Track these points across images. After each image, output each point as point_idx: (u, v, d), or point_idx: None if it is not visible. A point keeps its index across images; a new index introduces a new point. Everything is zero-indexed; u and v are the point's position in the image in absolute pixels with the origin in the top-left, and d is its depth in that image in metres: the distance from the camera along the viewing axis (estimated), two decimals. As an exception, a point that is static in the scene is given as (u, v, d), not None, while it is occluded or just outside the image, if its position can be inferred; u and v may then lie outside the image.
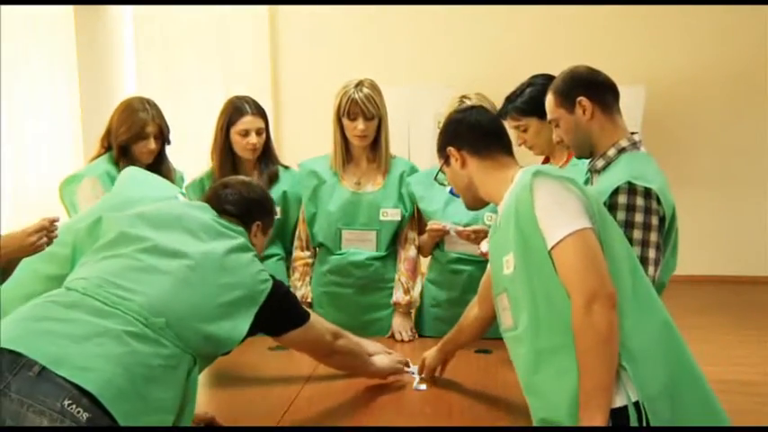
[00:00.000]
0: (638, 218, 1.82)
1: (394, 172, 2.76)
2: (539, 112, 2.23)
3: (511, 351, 1.74)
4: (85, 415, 1.37)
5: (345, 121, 2.65)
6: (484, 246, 2.33)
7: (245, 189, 2.02)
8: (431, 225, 2.61)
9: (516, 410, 2.03)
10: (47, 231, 1.98)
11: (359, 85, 2.63)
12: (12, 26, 4.29)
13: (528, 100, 2.37)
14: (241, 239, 1.85)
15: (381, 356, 2.26)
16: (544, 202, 1.57)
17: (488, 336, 2.62)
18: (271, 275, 1.84)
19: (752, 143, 6.55)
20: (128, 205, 1.98)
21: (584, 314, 1.49)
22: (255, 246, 1.96)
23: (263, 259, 2.81)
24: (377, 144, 2.71)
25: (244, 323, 1.73)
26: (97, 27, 4.90)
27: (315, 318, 1.99)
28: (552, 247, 1.55)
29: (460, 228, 2.54)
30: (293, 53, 6.92)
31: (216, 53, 6.51)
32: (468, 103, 2.59)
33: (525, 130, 2.42)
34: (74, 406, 1.37)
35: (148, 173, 2.44)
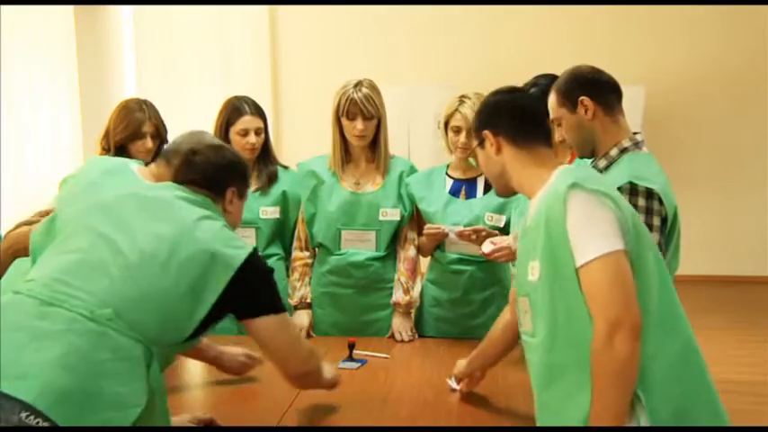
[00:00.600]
0: (640, 218, 1.82)
1: (393, 172, 2.75)
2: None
3: (527, 354, 1.70)
4: (45, 424, 1.34)
5: (344, 121, 2.64)
6: (486, 246, 2.32)
7: (213, 155, 1.87)
8: (427, 228, 2.60)
9: (516, 410, 2.03)
10: None
11: (358, 84, 2.63)
12: (12, 26, 4.29)
13: None
14: (205, 212, 1.72)
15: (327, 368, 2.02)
16: (577, 217, 1.50)
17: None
18: (254, 248, 1.70)
19: (752, 143, 6.55)
20: (89, 190, 1.97)
21: (605, 341, 1.43)
22: (232, 213, 1.86)
23: (264, 258, 2.84)
24: (376, 144, 2.71)
25: (211, 296, 1.60)
26: (97, 27, 4.90)
27: (294, 321, 1.92)
28: (581, 266, 1.49)
29: (460, 228, 2.53)
30: (293, 53, 6.92)
31: (216, 53, 6.52)
32: (468, 102, 2.58)
33: None
34: (32, 417, 1.34)
35: (109, 158, 2.43)
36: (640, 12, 6.42)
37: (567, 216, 1.50)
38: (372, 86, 2.65)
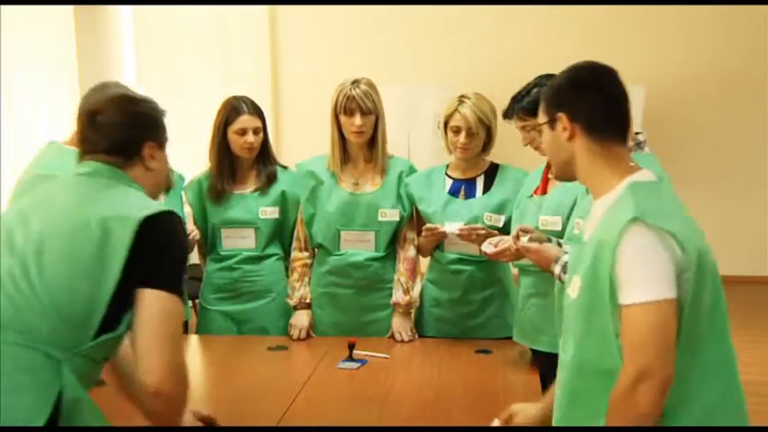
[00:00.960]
0: None
1: (392, 172, 2.75)
2: None
3: (560, 356, 1.62)
4: None
5: (342, 118, 2.64)
6: (486, 247, 2.31)
7: (118, 115, 1.64)
8: (426, 228, 2.59)
9: (516, 410, 2.03)
10: None
11: (355, 82, 2.64)
12: (12, 26, 4.29)
13: (535, 100, 2.30)
14: (108, 181, 1.57)
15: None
16: (630, 255, 1.37)
17: (488, 336, 2.63)
18: (170, 211, 1.54)
19: (751, 143, 6.55)
20: (37, 181, 1.92)
21: (630, 387, 1.35)
22: (155, 170, 1.69)
23: (262, 258, 2.84)
24: (374, 143, 2.71)
25: (115, 262, 1.42)
26: (97, 27, 4.90)
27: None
28: (624, 305, 1.38)
29: (459, 225, 2.52)
30: (293, 53, 6.92)
31: (216, 53, 6.51)
32: (467, 102, 2.57)
33: (531, 131, 2.37)
34: None
35: (61, 146, 2.38)
36: (640, 12, 6.42)
37: (620, 250, 1.37)
38: (370, 84, 2.66)
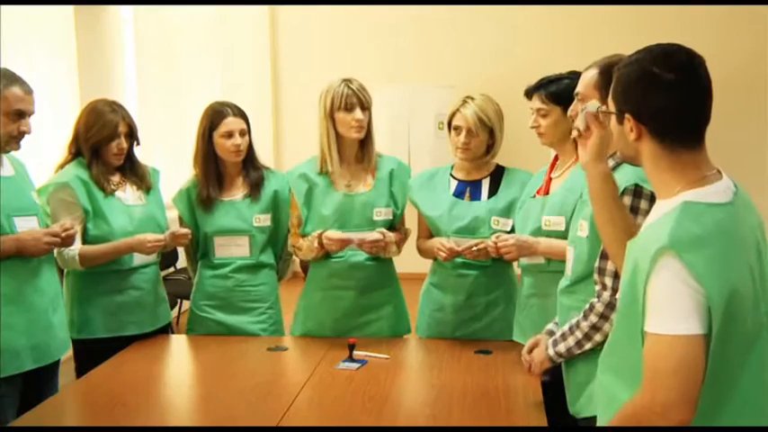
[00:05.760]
0: (641, 220, 1.80)
1: (382, 170, 2.75)
2: (565, 105, 2.18)
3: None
4: None
5: (341, 115, 2.63)
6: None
7: None
8: (440, 244, 2.55)
9: (516, 410, 2.03)
10: (60, 237, 2.36)
11: (347, 80, 2.66)
12: (12, 26, 4.29)
13: (563, 90, 2.28)
14: None
15: None
16: (658, 286, 1.31)
17: (489, 336, 2.63)
18: None
19: (751, 143, 6.55)
20: None
21: (644, 416, 1.33)
22: None
23: (257, 268, 2.81)
24: (367, 140, 2.72)
25: None
26: (97, 27, 4.89)
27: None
28: (650, 332, 1.33)
29: (464, 245, 2.51)
30: (293, 53, 6.92)
31: (216, 53, 6.51)
32: (470, 104, 2.55)
33: (545, 116, 2.33)
34: None
35: None
36: (640, 12, 6.42)
37: (649, 281, 1.32)
38: (360, 82, 2.68)
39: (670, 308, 1.31)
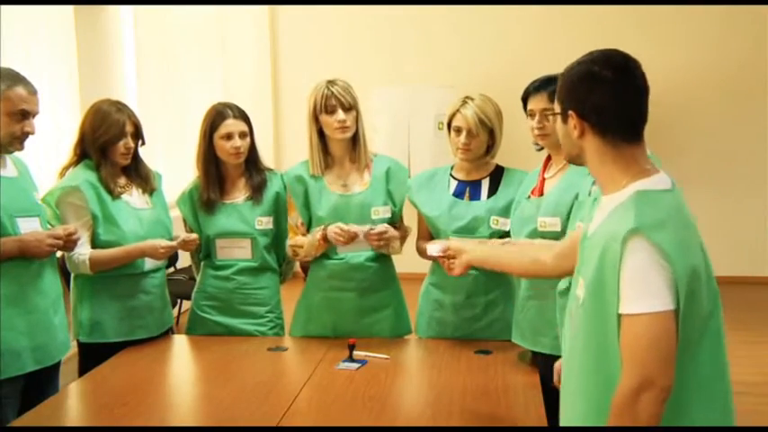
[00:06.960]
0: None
1: (378, 169, 2.75)
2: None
3: (563, 356, 1.65)
4: None
5: (324, 117, 2.64)
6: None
7: None
8: (440, 256, 2.53)
9: (516, 410, 2.04)
10: (62, 239, 2.37)
11: (330, 81, 2.66)
12: (12, 26, 4.29)
13: None
14: None
15: None
16: (631, 266, 1.37)
17: (488, 336, 2.63)
18: None
19: (751, 143, 6.55)
20: None
21: (629, 398, 1.36)
22: None
23: (259, 272, 2.81)
24: (356, 141, 2.71)
25: None
26: (97, 27, 4.89)
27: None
28: (625, 314, 1.38)
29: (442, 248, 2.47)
30: (293, 53, 6.93)
31: (216, 53, 6.51)
32: (470, 104, 2.56)
33: (552, 116, 2.24)
34: None
35: None
36: (640, 12, 6.43)
37: (622, 261, 1.38)
38: (345, 83, 2.68)
39: (647, 286, 1.37)
